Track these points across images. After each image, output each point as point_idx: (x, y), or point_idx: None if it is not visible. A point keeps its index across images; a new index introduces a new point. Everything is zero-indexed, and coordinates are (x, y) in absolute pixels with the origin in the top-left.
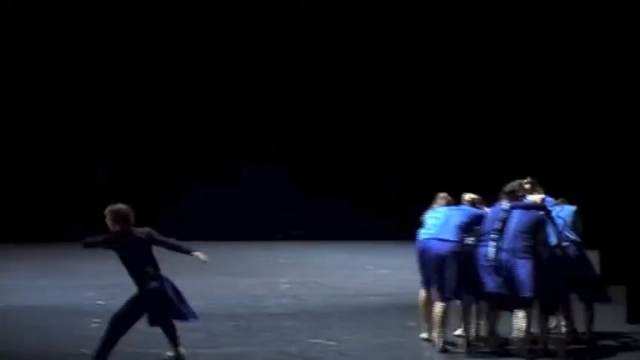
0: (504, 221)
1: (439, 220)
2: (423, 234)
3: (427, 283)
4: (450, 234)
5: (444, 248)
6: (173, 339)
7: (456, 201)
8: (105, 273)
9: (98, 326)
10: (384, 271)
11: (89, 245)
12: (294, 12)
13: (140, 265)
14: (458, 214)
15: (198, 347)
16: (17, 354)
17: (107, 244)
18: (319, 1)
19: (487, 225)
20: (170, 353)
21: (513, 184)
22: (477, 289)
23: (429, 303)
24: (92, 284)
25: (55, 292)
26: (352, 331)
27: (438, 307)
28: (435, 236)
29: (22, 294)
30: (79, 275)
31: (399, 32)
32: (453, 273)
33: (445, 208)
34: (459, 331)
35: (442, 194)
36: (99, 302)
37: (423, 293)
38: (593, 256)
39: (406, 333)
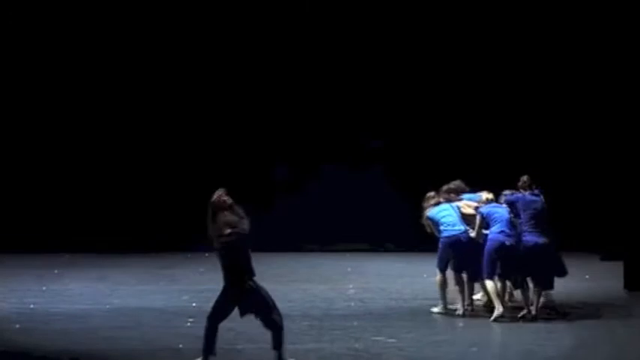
0: (537, 210)
1: (454, 218)
2: (452, 230)
3: (445, 268)
4: (509, 228)
5: (509, 240)
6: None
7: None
8: (198, 280)
9: (192, 325)
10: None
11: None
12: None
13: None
14: (504, 211)
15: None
16: (122, 349)
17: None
18: (320, 2)
19: (528, 216)
20: None
21: (457, 184)
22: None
23: (444, 283)
24: (187, 289)
25: (155, 295)
26: (409, 330)
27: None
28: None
29: (126, 298)
30: (176, 281)
31: (398, 32)
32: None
33: (448, 205)
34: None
35: (432, 193)
36: (193, 304)
37: (439, 276)
38: (617, 268)
39: (456, 332)
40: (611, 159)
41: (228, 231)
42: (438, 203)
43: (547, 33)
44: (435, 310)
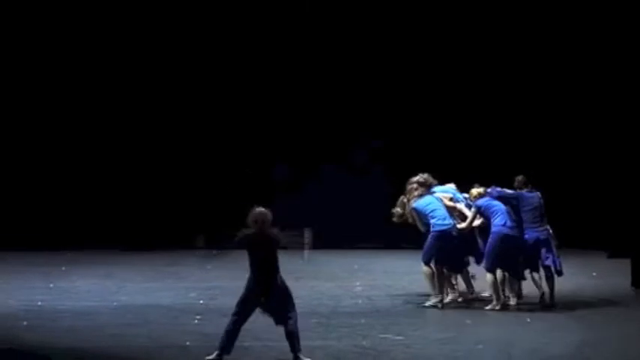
0: (534, 206)
1: (443, 211)
2: (443, 224)
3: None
4: (511, 219)
5: (512, 231)
6: (292, 344)
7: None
8: (206, 277)
9: (199, 322)
10: None
11: (236, 246)
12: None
13: (267, 264)
14: (500, 204)
15: (285, 340)
16: (129, 346)
17: (242, 245)
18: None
19: (528, 212)
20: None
21: (426, 177)
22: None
23: (433, 274)
24: (195, 286)
25: (162, 293)
26: (416, 328)
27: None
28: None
29: (133, 295)
30: (183, 279)
31: (397, 34)
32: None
33: (433, 197)
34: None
35: (415, 185)
36: (200, 302)
37: (426, 268)
38: (625, 265)
39: (462, 329)
40: (617, 157)
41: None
42: (421, 195)
43: (544, 33)
44: (429, 303)
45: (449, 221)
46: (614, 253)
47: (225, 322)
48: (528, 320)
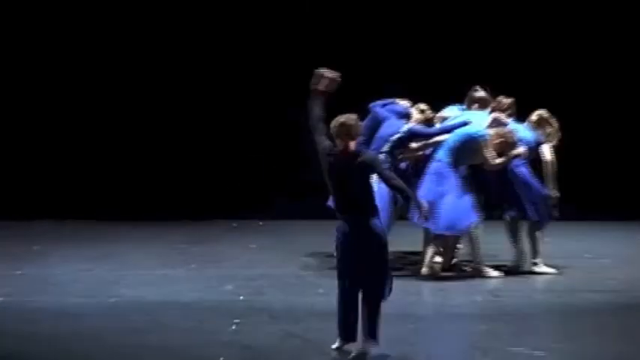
0: None
1: None
2: None
3: None
4: None
5: None
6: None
7: None
8: (248, 261)
9: (238, 329)
10: (605, 261)
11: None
12: None
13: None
14: None
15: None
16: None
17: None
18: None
19: None
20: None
21: None
22: None
23: None
24: (232, 275)
25: (183, 285)
26: (565, 338)
27: None
28: None
29: (140, 287)
30: (215, 263)
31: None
32: None
33: None
34: None
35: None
36: (240, 298)
37: None
38: None
39: (635, 341)
40: None
41: None
42: None
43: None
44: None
45: None
46: None
47: (275, 327)
48: None
